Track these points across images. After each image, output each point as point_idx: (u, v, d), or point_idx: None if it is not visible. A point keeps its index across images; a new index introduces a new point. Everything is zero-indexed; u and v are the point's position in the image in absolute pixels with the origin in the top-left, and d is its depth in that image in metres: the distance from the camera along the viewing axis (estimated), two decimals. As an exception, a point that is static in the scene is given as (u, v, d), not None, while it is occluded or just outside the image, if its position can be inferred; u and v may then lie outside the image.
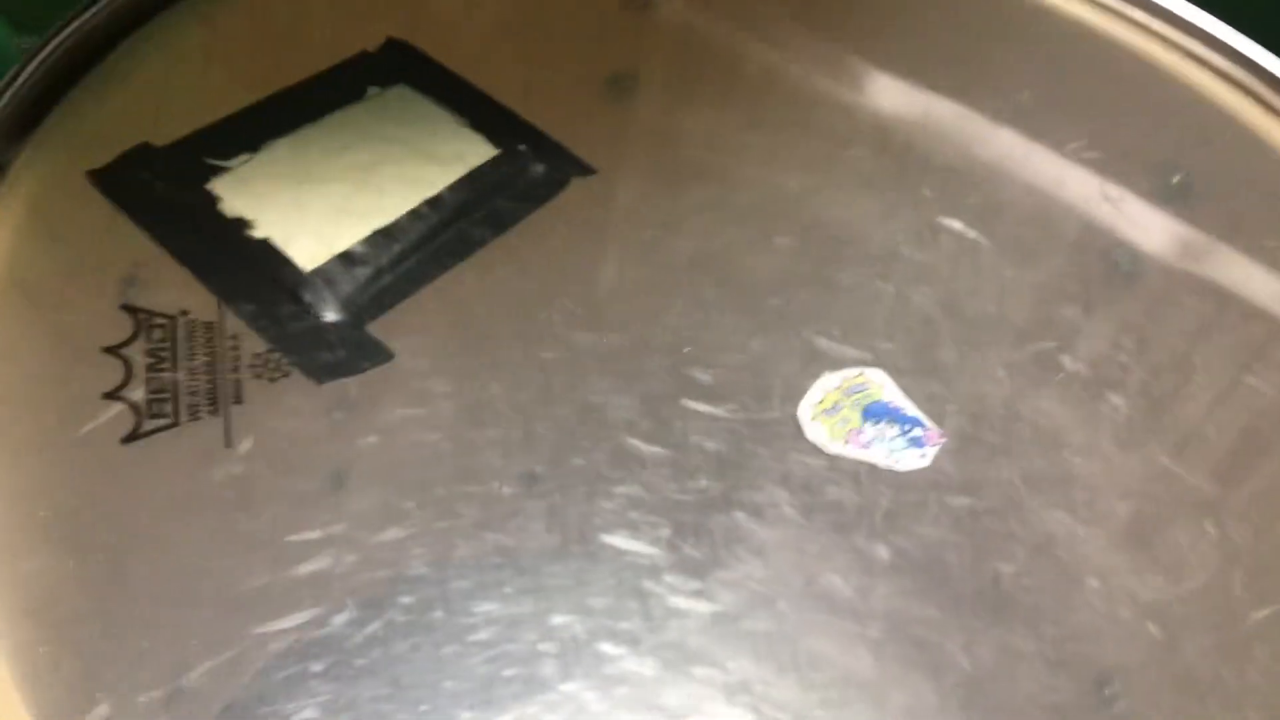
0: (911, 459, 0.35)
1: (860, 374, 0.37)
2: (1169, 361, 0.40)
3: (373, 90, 0.43)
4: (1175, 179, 0.46)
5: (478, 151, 0.41)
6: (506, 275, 0.39)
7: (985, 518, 0.35)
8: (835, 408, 0.35)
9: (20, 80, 0.40)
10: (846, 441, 0.35)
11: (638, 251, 0.40)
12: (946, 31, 0.50)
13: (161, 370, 0.34)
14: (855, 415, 0.35)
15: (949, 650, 0.32)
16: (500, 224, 0.40)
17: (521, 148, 0.42)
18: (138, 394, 0.34)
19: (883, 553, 0.34)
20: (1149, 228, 0.44)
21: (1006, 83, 0.48)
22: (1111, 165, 0.45)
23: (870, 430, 0.35)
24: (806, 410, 0.35)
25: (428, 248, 0.39)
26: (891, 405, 0.36)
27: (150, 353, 0.34)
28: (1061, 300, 0.41)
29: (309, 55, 0.44)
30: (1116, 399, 0.38)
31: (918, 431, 0.36)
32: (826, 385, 0.36)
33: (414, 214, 0.39)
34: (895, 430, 0.36)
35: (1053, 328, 0.40)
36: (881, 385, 0.37)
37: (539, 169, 0.41)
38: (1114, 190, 0.44)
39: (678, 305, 0.39)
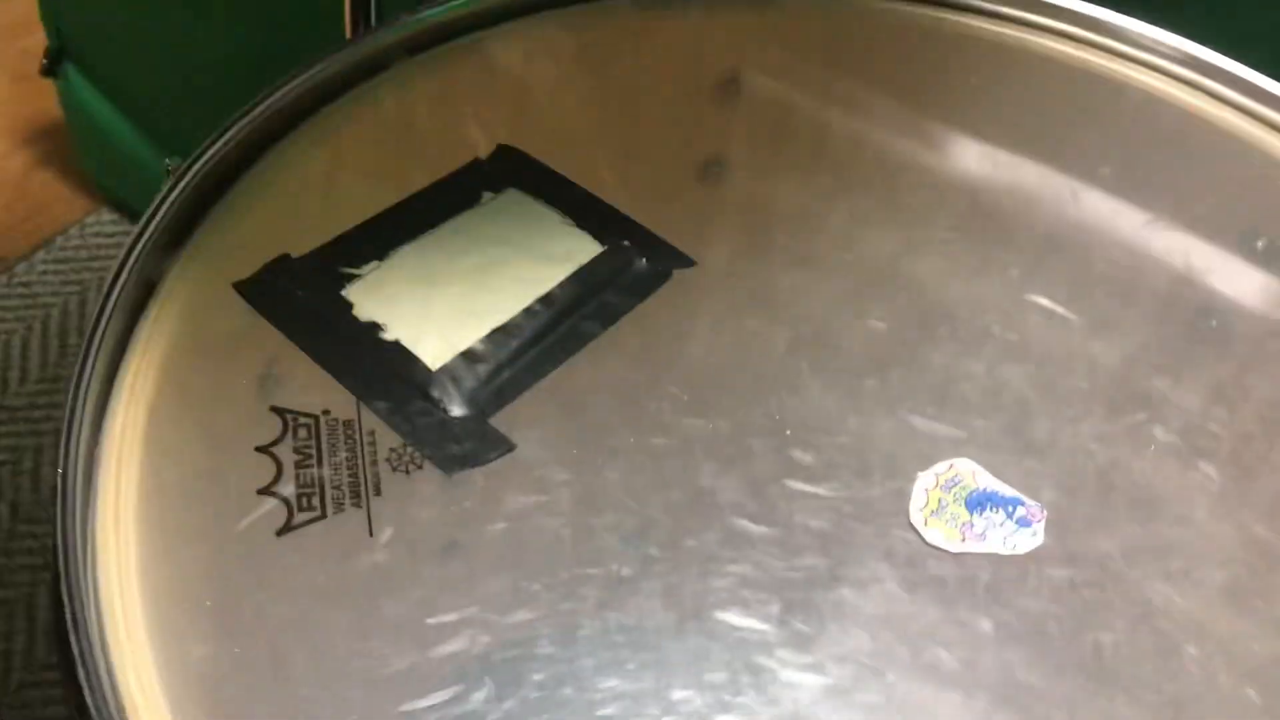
0: (1025, 540, 0.37)
1: (950, 466, 0.39)
2: (1258, 430, 0.41)
3: (486, 195, 0.46)
4: (1260, 244, 0.47)
5: (585, 249, 0.44)
6: (617, 367, 0.41)
7: (1084, 589, 0.37)
8: (941, 506, 0.37)
9: (170, 198, 0.44)
10: (964, 539, 0.37)
11: (738, 338, 0.43)
12: (1026, 108, 0.52)
13: (308, 466, 0.37)
14: (961, 510, 0.37)
15: (1055, 719, 0.34)
16: (609, 317, 0.42)
17: (626, 244, 0.44)
18: (288, 489, 0.37)
19: (986, 625, 0.36)
20: (1236, 295, 0.45)
21: (1087, 157, 0.49)
22: (1195, 234, 0.47)
23: (979, 522, 0.37)
24: (918, 515, 0.37)
25: (543, 343, 0.41)
26: (989, 491, 0.38)
27: (297, 450, 0.38)
28: (1150, 372, 0.42)
29: (425, 164, 0.47)
30: (1208, 468, 0.40)
31: (1021, 511, 0.38)
32: (925, 485, 0.38)
33: (529, 311, 0.42)
34: (1002, 515, 0.37)
35: (1143, 399, 0.41)
36: (973, 473, 0.39)
37: (643, 263, 0.44)
38: (1199, 259, 0.46)
39: (777, 389, 0.41)
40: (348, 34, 0.58)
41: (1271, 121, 0.50)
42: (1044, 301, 0.44)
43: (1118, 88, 0.52)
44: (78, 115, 0.94)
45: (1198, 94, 0.52)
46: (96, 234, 0.99)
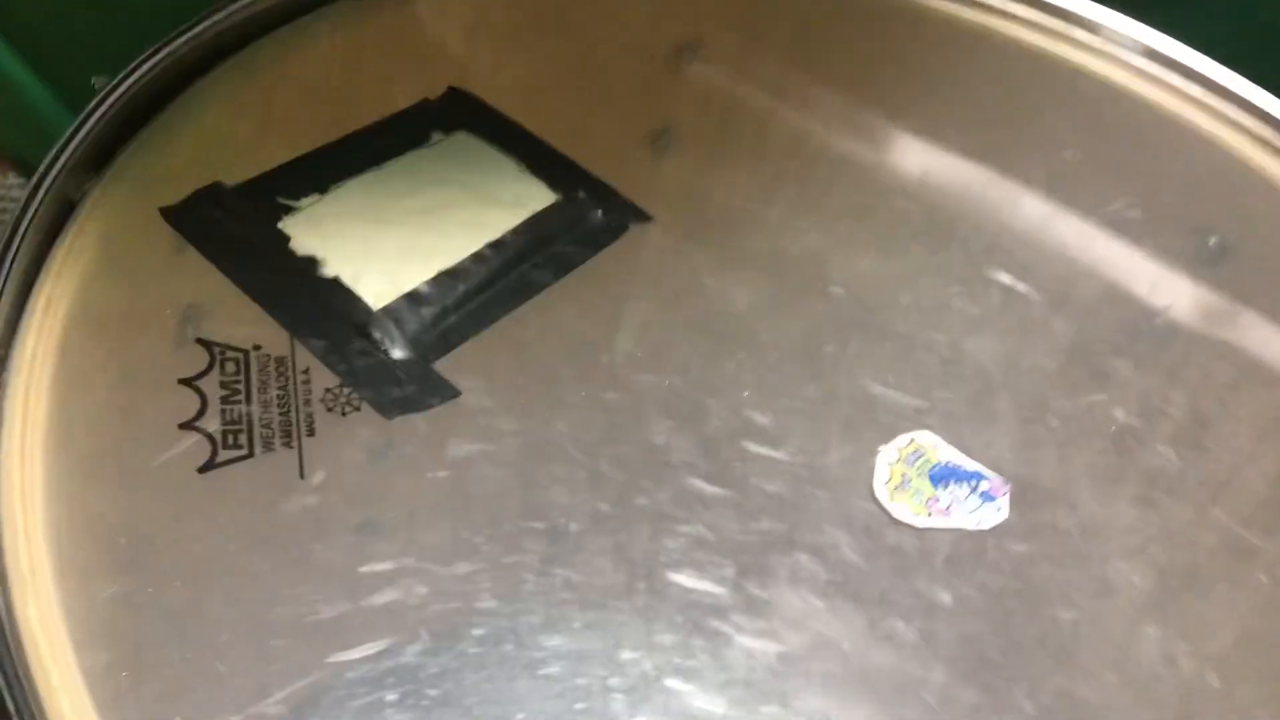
0: (990, 515, 0.36)
1: (911, 440, 0.38)
2: (1216, 415, 0.40)
3: (436, 136, 0.44)
4: (1212, 241, 0.46)
5: (539, 197, 0.42)
6: (568, 318, 0.39)
7: (1044, 565, 0.35)
8: (905, 481, 0.36)
9: (95, 118, 0.41)
10: (930, 514, 0.35)
11: (694, 296, 0.41)
12: (990, 93, 0.51)
13: (235, 402, 0.35)
14: (925, 484, 0.36)
15: (1013, 696, 0.33)
16: (561, 268, 0.40)
17: (581, 194, 0.43)
18: (213, 425, 0.34)
19: (944, 597, 0.34)
20: (1187, 287, 0.45)
21: (1049, 143, 0.48)
22: (1152, 225, 0.46)
23: (944, 496, 0.36)
24: (882, 490, 0.36)
25: (491, 289, 0.39)
26: (952, 465, 0.37)
27: (224, 385, 0.35)
28: (1109, 353, 0.41)
29: (368, 103, 0.45)
30: (1167, 451, 0.39)
31: (985, 485, 0.36)
32: (888, 459, 0.37)
33: (478, 256, 0.40)
34: (966, 490, 0.36)
35: (1102, 380, 0.41)
36: (935, 447, 0.37)
37: (598, 215, 0.42)
38: (1155, 250, 0.45)
39: (735, 350, 0.40)
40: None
41: (1232, 119, 0.50)
42: (1005, 278, 0.43)
43: (1078, 76, 0.52)
44: (-17, 71, 0.89)
45: (1159, 87, 0.51)
46: (1, 198, 0.95)
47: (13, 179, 0.95)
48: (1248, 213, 0.48)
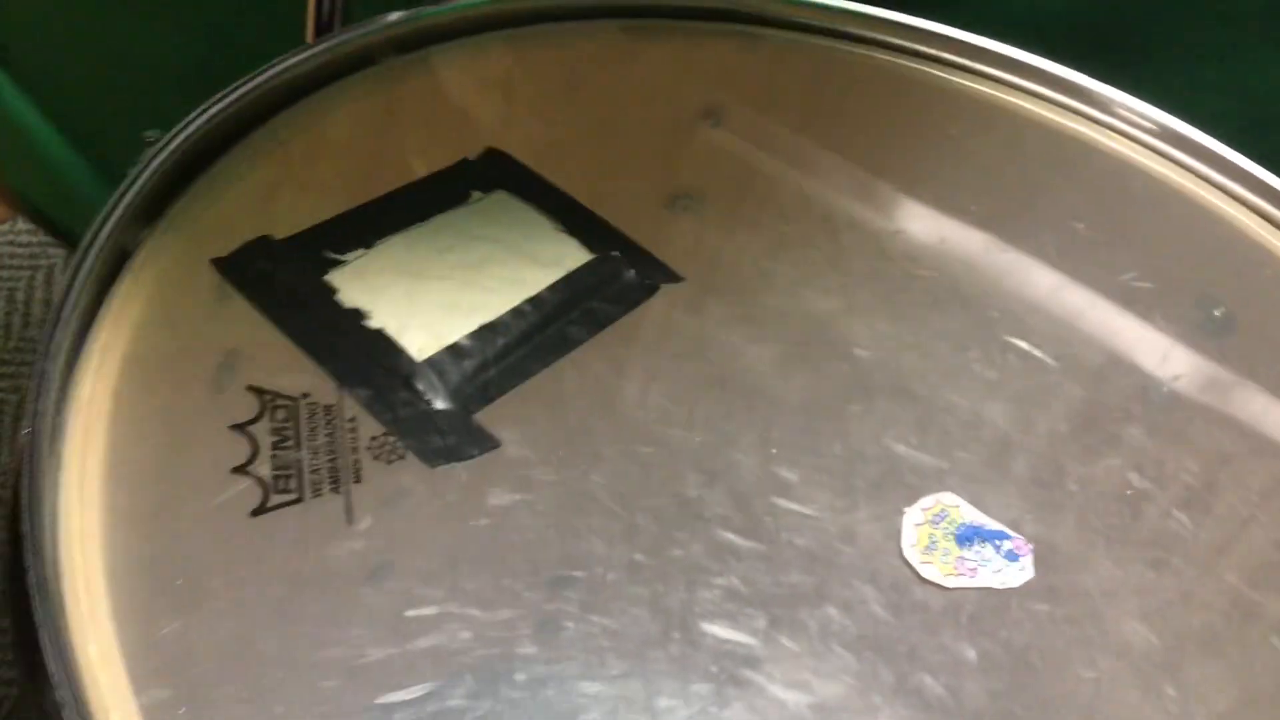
0: (1015, 574, 0.37)
1: (936, 502, 0.39)
2: (1226, 481, 0.41)
3: (475, 195, 0.45)
4: (1218, 312, 0.48)
5: (574, 256, 0.44)
6: (602, 373, 0.41)
7: (1065, 625, 0.37)
8: (933, 543, 0.37)
9: (148, 170, 0.42)
10: (958, 574, 0.37)
11: (724, 355, 0.42)
12: (1004, 166, 0.53)
13: (286, 448, 0.36)
14: (952, 545, 0.37)
15: (1037, 749, 0.34)
16: (596, 324, 0.42)
17: (615, 254, 0.44)
18: (264, 470, 0.35)
19: (970, 653, 0.35)
20: (1193, 357, 0.46)
21: (1061, 215, 0.50)
22: (1161, 296, 0.48)
23: (971, 556, 0.37)
24: (912, 553, 0.37)
25: (529, 344, 0.41)
26: (975, 525, 0.38)
27: (275, 431, 0.36)
28: (1123, 420, 0.43)
29: (410, 161, 0.46)
30: (1182, 516, 0.40)
31: (1009, 545, 0.38)
32: (914, 520, 0.38)
33: (516, 312, 0.41)
34: (990, 550, 0.37)
35: (1116, 445, 0.42)
36: (958, 507, 0.39)
37: (631, 274, 0.44)
38: (1162, 320, 0.47)
39: (763, 407, 0.41)
40: (309, 38, 0.57)
41: (1237, 195, 0.52)
42: (1022, 344, 0.45)
43: (1091, 151, 0.54)
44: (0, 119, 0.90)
45: (1167, 163, 0.53)
46: (10, 244, 0.96)
47: (21, 224, 0.96)
48: (1252, 285, 0.49)
